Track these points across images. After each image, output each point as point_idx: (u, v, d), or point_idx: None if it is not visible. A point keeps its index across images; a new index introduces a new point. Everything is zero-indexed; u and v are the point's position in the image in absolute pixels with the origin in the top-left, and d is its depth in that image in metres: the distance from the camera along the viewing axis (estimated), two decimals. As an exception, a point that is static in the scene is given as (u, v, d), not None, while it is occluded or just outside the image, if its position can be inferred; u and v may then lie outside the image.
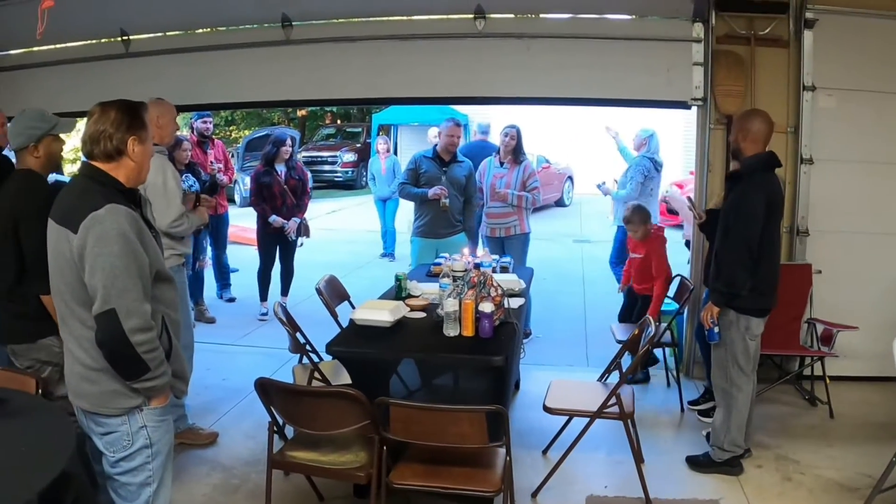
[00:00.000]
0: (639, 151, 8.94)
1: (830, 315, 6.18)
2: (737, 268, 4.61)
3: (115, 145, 2.98)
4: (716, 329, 4.80)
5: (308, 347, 5.10)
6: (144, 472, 3.08)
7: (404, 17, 6.98)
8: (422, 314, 4.97)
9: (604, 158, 20.32)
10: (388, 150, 12.60)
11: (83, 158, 3.10)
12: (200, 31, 7.46)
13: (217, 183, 8.31)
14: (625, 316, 6.83)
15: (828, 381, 6.02)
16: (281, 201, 8.50)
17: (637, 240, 6.56)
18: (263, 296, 8.81)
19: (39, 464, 2.59)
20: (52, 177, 4.39)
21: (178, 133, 6.13)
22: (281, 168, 8.57)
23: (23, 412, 3.04)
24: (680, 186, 16.30)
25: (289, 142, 8.65)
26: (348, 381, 4.78)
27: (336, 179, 23.72)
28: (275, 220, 8.42)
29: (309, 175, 9.15)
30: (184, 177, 7.10)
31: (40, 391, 3.47)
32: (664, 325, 6.26)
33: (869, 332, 6.05)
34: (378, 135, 20.79)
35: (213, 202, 5.82)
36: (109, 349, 2.87)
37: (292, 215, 8.56)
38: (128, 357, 2.86)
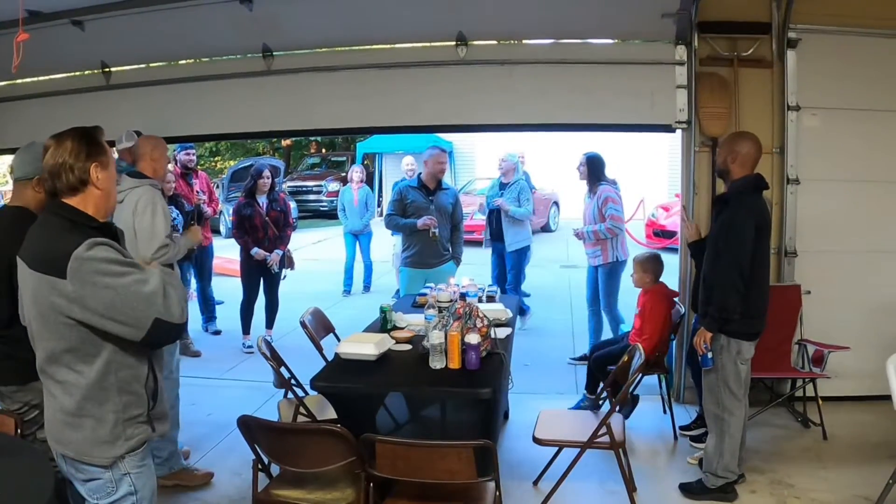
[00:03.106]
0: (509, 176, 9.33)
1: (821, 336, 6.13)
2: (729, 292, 4.57)
3: (77, 176, 2.86)
4: (709, 355, 4.75)
5: (293, 382, 5.02)
6: None
7: (386, 46, 6.95)
8: (407, 346, 4.90)
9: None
10: (361, 181, 12.00)
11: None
12: (181, 62, 7.42)
13: (202, 212, 8.25)
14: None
15: (820, 402, 5.98)
16: (263, 233, 8.46)
17: (645, 288, 6.28)
18: (246, 329, 8.74)
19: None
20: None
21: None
22: (262, 200, 8.54)
23: (1, 453, 2.96)
24: (666, 209, 16.34)
25: (267, 173, 8.60)
26: (335, 415, 4.71)
27: (321, 209, 23.69)
28: (257, 252, 8.37)
29: (292, 206, 9.10)
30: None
31: (20, 432, 3.39)
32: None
33: (860, 351, 6.02)
34: (362, 163, 20.78)
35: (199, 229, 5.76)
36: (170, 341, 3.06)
37: (275, 247, 8.50)
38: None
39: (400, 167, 12.24)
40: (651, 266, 6.22)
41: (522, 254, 9.32)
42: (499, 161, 9.59)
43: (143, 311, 2.77)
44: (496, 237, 9.36)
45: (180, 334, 2.99)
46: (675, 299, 6.21)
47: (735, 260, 4.57)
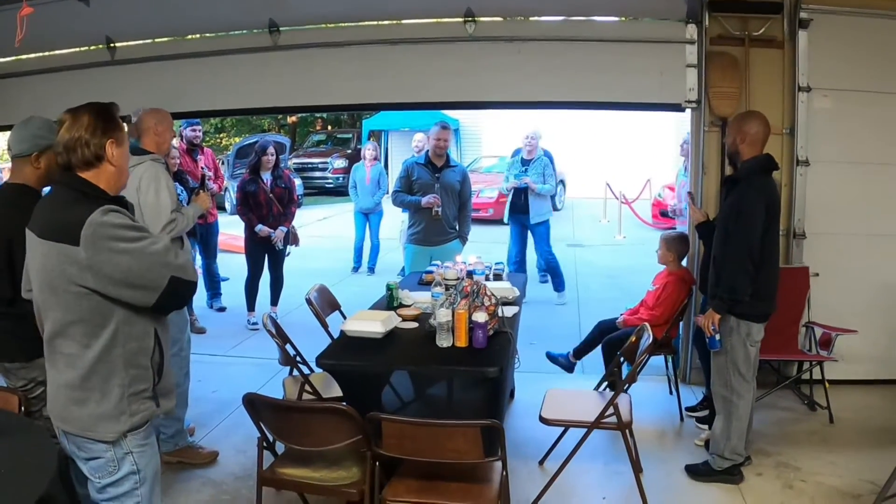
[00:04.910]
0: (533, 153, 9.89)
1: (828, 318, 6.11)
2: (738, 273, 4.54)
3: (93, 151, 2.85)
4: (717, 337, 4.72)
5: (298, 359, 5.00)
6: (133, 499, 2.97)
7: (393, 21, 6.90)
8: (414, 324, 4.88)
9: (594, 162, 20.40)
10: (375, 158, 11.87)
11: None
12: (187, 37, 7.37)
13: (206, 182, 8.21)
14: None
15: (827, 385, 5.96)
16: (267, 210, 8.43)
17: (669, 270, 6.26)
18: (251, 306, 8.75)
19: (19, 487, 2.50)
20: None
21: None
22: (267, 176, 8.50)
23: (3, 432, 2.94)
24: (672, 189, 16.25)
25: (271, 149, 8.56)
26: (340, 392, 4.70)
27: (327, 186, 23.69)
28: (261, 229, 8.36)
29: (296, 183, 9.07)
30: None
31: (23, 409, 3.38)
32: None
33: (868, 334, 6.03)
34: (368, 140, 20.73)
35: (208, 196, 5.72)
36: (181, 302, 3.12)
37: (279, 224, 8.48)
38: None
39: (404, 144, 12.21)
40: (675, 246, 6.20)
41: (545, 225, 9.88)
42: (525, 139, 9.95)
43: (159, 270, 2.80)
44: (522, 210, 9.77)
45: (192, 294, 3.02)
46: (693, 286, 6.18)
47: (744, 241, 4.53)
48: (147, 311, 2.88)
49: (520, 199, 9.79)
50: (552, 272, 10.01)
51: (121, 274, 2.74)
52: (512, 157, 11.04)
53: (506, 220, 10.09)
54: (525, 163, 9.86)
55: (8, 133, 4.00)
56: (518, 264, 10.06)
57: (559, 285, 10.01)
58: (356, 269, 12.01)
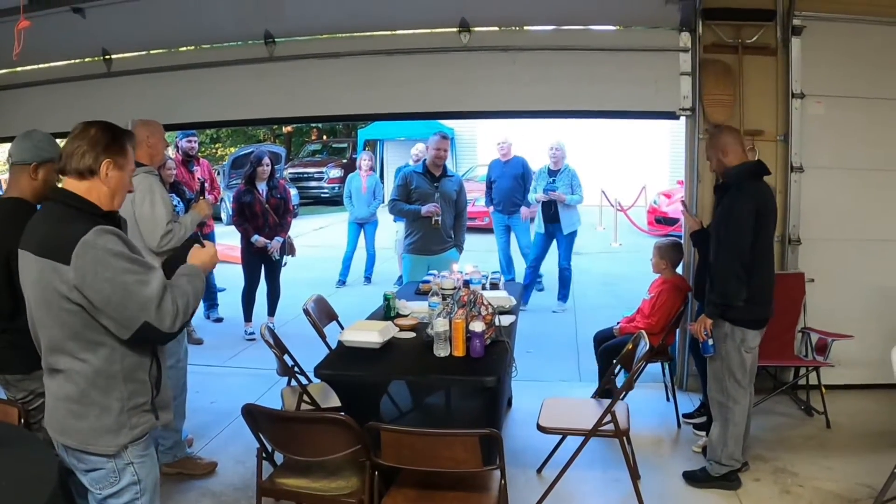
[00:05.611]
0: (559, 163, 9.87)
1: (824, 324, 6.13)
2: (730, 278, 4.57)
3: (87, 163, 2.86)
4: (710, 342, 4.74)
5: (296, 369, 5.01)
6: None
7: (388, 32, 6.91)
8: (411, 334, 4.89)
9: (589, 169, 20.42)
10: (370, 168, 11.79)
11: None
12: (182, 49, 7.39)
13: (205, 191, 8.21)
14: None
15: (823, 390, 5.97)
16: (263, 221, 8.43)
17: (663, 278, 6.25)
18: (248, 316, 8.74)
19: (20, 499, 2.50)
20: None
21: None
22: (262, 187, 8.50)
23: (4, 444, 2.94)
24: (668, 196, 16.28)
25: (266, 160, 8.55)
26: (338, 402, 4.71)
27: (322, 195, 23.69)
28: (257, 239, 8.35)
29: (292, 193, 9.04)
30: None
31: (23, 421, 3.38)
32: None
33: (864, 339, 6.02)
34: (364, 150, 20.73)
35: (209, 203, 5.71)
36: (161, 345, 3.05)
37: (275, 234, 8.47)
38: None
39: (400, 154, 12.15)
40: (668, 253, 6.20)
41: (574, 235, 9.90)
42: (550, 150, 9.92)
43: (135, 312, 2.75)
44: (552, 220, 9.78)
45: (168, 341, 2.97)
46: (689, 293, 6.18)
47: (735, 246, 4.57)
48: None
49: (549, 210, 9.77)
50: (563, 282, 10.01)
51: (99, 301, 2.73)
52: (489, 167, 11.08)
53: (538, 229, 10.02)
54: (552, 174, 9.84)
55: (7, 145, 4.02)
56: (535, 269, 10.15)
57: (565, 296, 10.03)
58: (342, 282, 11.79)
